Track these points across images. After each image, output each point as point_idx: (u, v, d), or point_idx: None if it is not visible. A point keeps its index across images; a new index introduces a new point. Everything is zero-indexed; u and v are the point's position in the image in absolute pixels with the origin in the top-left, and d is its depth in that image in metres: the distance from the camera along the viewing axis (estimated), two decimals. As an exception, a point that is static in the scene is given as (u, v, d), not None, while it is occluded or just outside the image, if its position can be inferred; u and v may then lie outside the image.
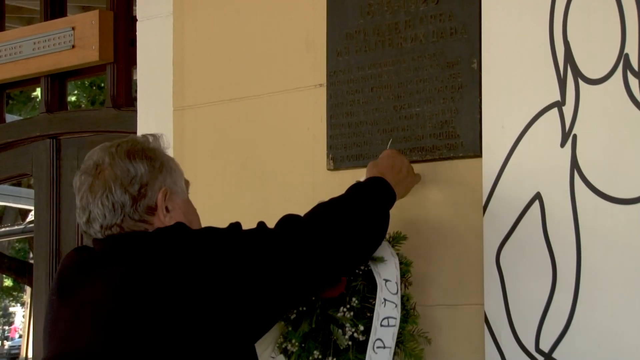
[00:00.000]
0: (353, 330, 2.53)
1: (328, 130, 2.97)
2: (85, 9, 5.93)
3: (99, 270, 2.18)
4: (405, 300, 2.58)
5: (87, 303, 2.14)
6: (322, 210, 2.40)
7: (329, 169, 2.98)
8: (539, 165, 2.55)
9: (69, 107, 4.78)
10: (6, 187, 8.98)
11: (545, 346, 2.52)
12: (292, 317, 2.59)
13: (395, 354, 2.54)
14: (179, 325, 2.08)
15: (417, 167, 2.72)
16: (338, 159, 2.95)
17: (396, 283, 2.53)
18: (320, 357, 2.58)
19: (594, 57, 2.48)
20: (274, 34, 3.18)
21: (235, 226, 2.26)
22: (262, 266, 2.19)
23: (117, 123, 4.21)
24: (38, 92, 7.66)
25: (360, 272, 2.56)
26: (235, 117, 3.27)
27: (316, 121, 3.02)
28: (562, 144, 2.52)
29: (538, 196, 2.55)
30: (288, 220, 2.33)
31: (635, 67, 2.41)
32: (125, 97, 4.27)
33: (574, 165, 2.50)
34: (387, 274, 2.53)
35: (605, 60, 2.45)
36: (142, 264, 2.14)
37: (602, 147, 2.45)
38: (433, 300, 2.70)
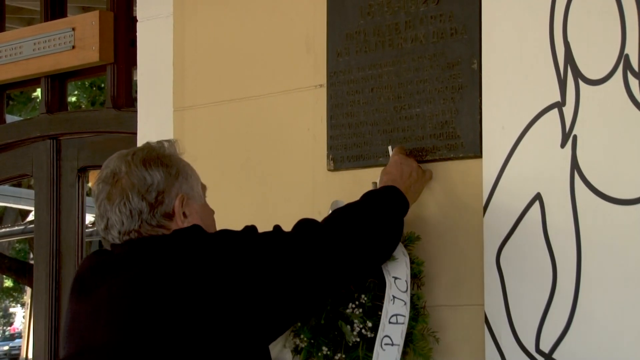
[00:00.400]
0: (361, 326, 2.54)
1: (328, 131, 2.97)
2: (85, 9, 5.93)
3: (116, 271, 2.21)
4: (415, 299, 2.59)
5: (105, 302, 2.18)
6: (338, 216, 2.43)
7: (329, 170, 2.98)
8: (539, 165, 2.55)
9: (69, 108, 4.78)
10: (6, 188, 8.98)
11: (545, 347, 2.52)
12: None
13: (405, 353, 2.55)
14: (193, 325, 2.10)
15: (418, 168, 2.72)
16: (338, 159, 2.95)
17: (406, 281, 2.54)
18: (329, 353, 2.59)
19: (594, 58, 2.48)
20: (274, 35, 3.18)
21: (251, 229, 2.29)
22: (278, 269, 2.22)
23: (118, 124, 4.21)
24: (38, 93, 7.66)
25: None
26: (235, 117, 3.27)
27: (316, 122, 3.02)
28: (562, 145, 2.52)
29: (538, 197, 2.55)
30: (304, 225, 2.37)
31: (636, 67, 2.41)
32: (125, 97, 4.27)
33: (574, 165, 2.50)
34: (397, 272, 2.54)
35: (605, 60, 2.45)
36: (158, 264, 2.17)
37: (603, 148, 2.45)
38: (433, 300, 2.70)
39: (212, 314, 2.11)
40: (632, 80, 2.42)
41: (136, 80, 3.88)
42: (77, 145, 4.39)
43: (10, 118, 5.38)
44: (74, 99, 10.80)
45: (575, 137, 2.51)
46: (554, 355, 2.50)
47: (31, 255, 11.94)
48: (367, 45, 2.90)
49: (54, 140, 4.44)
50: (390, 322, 2.51)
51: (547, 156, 2.54)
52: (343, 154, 2.94)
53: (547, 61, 2.55)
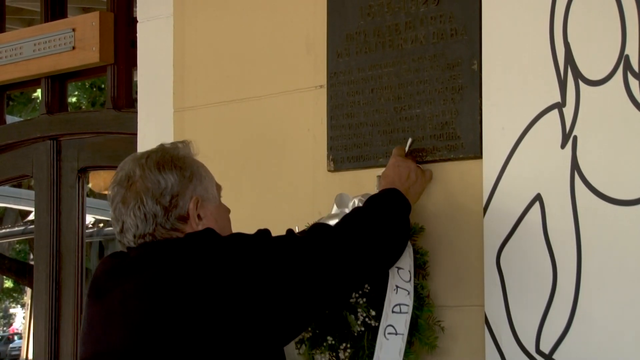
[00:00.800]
0: (365, 314, 2.54)
1: (328, 132, 2.97)
2: (85, 10, 5.93)
3: (131, 274, 2.22)
4: (420, 289, 2.59)
5: (118, 306, 2.19)
6: (347, 222, 2.44)
7: (329, 170, 2.98)
8: (539, 166, 2.55)
9: (69, 109, 4.78)
10: (6, 189, 8.97)
11: (545, 347, 2.52)
12: None
13: (411, 343, 2.55)
14: (206, 329, 2.11)
15: (418, 169, 2.72)
16: (338, 160, 2.95)
17: (409, 271, 2.54)
18: (333, 342, 2.59)
19: (595, 59, 2.48)
20: (274, 35, 3.19)
21: (264, 232, 2.29)
22: (292, 272, 2.22)
23: (118, 124, 4.21)
24: (38, 94, 7.66)
25: None
26: (235, 118, 3.27)
27: (316, 122, 3.02)
28: (563, 145, 2.52)
29: (538, 197, 2.55)
30: (317, 229, 2.37)
31: (636, 68, 2.41)
32: (125, 98, 4.27)
33: (574, 166, 2.50)
34: (400, 262, 2.55)
35: (605, 61, 2.45)
36: (170, 268, 2.18)
37: (603, 149, 2.45)
38: (434, 301, 2.70)
39: (225, 317, 2.12)
40: (632, 80, 2.42)
41: (136, 81, 3.88)
42: (77, 146, 4.40)
43: (10, 119, 5.38)
44: (74, 99, 10.80)
45: (575, 137, 2.51)
46: (554, 356, 2.50)
47: (31, 256, 11.94)
48: (367, 46, 2.90)
49: (54, 141, 4.44)
50: (393, 312, 2.51)
51: (547, 157, 2.54)
52: (343, 154, 2.94)
53: (547, 62, 2.55)
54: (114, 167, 4.92)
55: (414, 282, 2.55)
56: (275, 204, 3.11)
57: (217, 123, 3.32)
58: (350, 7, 2.94)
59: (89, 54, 4.21)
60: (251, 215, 2.99)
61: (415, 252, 2.61)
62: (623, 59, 2.43)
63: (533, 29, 2.57)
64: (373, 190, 2.72)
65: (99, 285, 2.28)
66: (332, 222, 2.49)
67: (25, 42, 4.42)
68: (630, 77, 2.42)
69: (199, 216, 2.29)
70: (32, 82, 4.66)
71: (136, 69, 3.89)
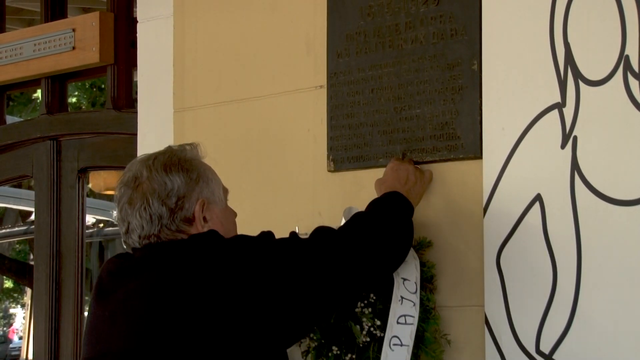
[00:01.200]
0: (370, 324, 2.54)
1: (328, 132, 2.97)
2: (85, 10, 5.92)
3: (134, 275, 2.23)
4: (425, 301, 2.59)
5: (121, 307, 2.20)
6: (351, 224, 2.44)
7: (329, 171, 2.98)
8: (539, 166, 2.55)
9: (69, 109, 4.78)
10: (6, 189, 8.97)
11: (545, 347, 2.52)
12: None
13: (417, 355, 2.55)
14: (208, 331, 2.12)
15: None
16: (338, 160, 2.95)
17: (415, 283, 2.55)
18: (338, 352, 2.59)
19: (595, 59, 2.48)
20: (274, 36, 3.19)
21: (267, 234, 2.29)
22: (295, 274, 2.22)
23: (118, 124, 4.21)
24: (38, 94, 7.66)
25: None
26: (235, 118, 3.27)
27: (316, 123, 3.02)
28: (563, 146, 2.52)
29: (538, 198, 2.55)
30: (320, 232, 2.37)
31: (636, 68, 2.41)
32: (125, 98, 4.27)
33: (575, 166, 2.50)
34: (405, 274, 2.55)
35: (605, 61, 2.45)
36: (173, 270, 2.19)
37: (603, 149, 2.45)
38: (434, 301, 2.70)
39: (227, 319, 2.12)
40: (632, 81, 2.42)
41: (136, 81, 3.88)
42: (78, 146, 4.40)
43: (10, 119, 5.38)
44: (74, 99, 10.81)
45: (575, 138, 2.50)
46: (554, 356, 2.50)
47: (31, 256, 11.94)
48: (367, 46, 2.90)
49: (54, 141, 4.44)
50: (398, 323, 2.51)
51: (548, 157, 2.54)
52: (343, 154, 2.94)
53: (547, 62, 2.55)
54: (114, 168, 4.96)
55: (420, 294, 2.56)
56: (275, 204, 3.11)
57: (217, 123, 3.32)
58: (351, 8, 2.94)
59: (89, 54, 4.21)
60: (251, 216, 2.99)
61: (422, 264, 2.62)
62: (623, 59, 2.43)
63: (533, 29, 2.57)
64: (373, 190, 2.72)
65: (102, 286, 2.28)
66: None
67: (25, 42, 4.42)
68: (630, 77, 2.42)
69: (204, 218, 2.30)
70: (32, 83, 4.66)
71: (136, 69, 3.89)
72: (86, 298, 4.69)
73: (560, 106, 2.53)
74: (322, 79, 3.01)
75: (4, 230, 11.50)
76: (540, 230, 2.54)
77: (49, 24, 4.44)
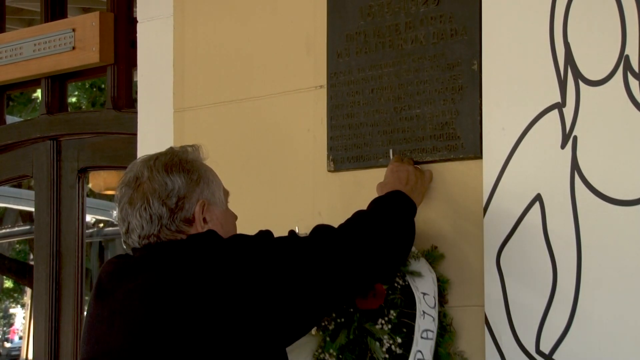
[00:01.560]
0: (391, 342, 2.54)
1: (328, 132, 2.97)
2: (85, 10, 5.92)
3: (133, 275, 2.23)
4: (442, 316, 2.59)
5: (119, 307, 2.20)
6: (351, 222, 2.44)
7: (329, 171, 2.98)
8: (539, 166, 2.55)
9: (69, 109, 4.78)
10: (6, 189, 8.97)
11: (545, 347, 2.52)
12: (331, 328, 2.60)
13: None
14: (206, 330, 2.11)
15: (418, 169, 2.72)
16: (338, 160, 2.95)
17: (434, 297, 2.57)
18: None
19: (595, 59, 2.48)
20: (274, 36, 3.19)
21: (266, 233, 2.30)
22: (294, 273, 2.22)
23: (118, 124, 4.21)
24: (38, 94, 7.65)
25: (399, 287, 2.58)
26: (235, 118, 3.27)
27: (316, 123, 3.02)
28: (563, 146, 2.52)
29: (538, 197, 2.55)
30: (320, 230, 2.37)
31: (636, 68, 2.41)
32: (125, 98, 4.27)
33: (575, 166, 2.50)
34: (425, 288, 2.56)
35: (605, 61, 2.45)
36: (173, 268, 2.19)
37: (603, 149, 2.45)
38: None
39: (226, 318, 2.12)
40: (632, 81, 2.42)
41: (136, 81, 3.88)
42: (77, 146, 4.40)
43: (10, 119, 5.37)
44: (74, 99, 10.80)
45: (575, 138, 2.51)
46: (554, 356, 2.50)
47: (31, 256, 11.94)
48: (367, 46, 2.90)
49: (54, 141, 4.44)
50: (422, 337, 2.53)
51: (548, 157, 2.54)
52: (343, 154, 2.94)
53: (547, 62, 2.55)
54: (114, 167, 4.96)
55: (438, 309, 2.57)
56: (275, 204, 3.11)
57: (217, 123, 3.32)
58: (351, 8, 2.94)
59: (89, 54, 4.21)
60: (251, 215, 2.99)
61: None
62: (623, 59, 2.43)
63: (533, 29, 2.57)
64: (373, 190, 2.72)
65: (101, 287, 2.28)
66: None
67: (25, 42, 4.42)
68: (630, 77, 2.42)
69: (204, 220, 2.30)
70: (32, 82, 4.66)
71: (136, 69, 3.89)
72: (86, 298, 4.69)
73: (560, 106, 2.53)
74: (322, 79, 3.01)
75: (4, 230, 11.49)
76: (540, 230, 2.54)
77: (49, 24, 4.44)
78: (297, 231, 2.44)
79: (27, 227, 10.45)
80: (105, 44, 4.18)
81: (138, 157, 2.37)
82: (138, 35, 3.79)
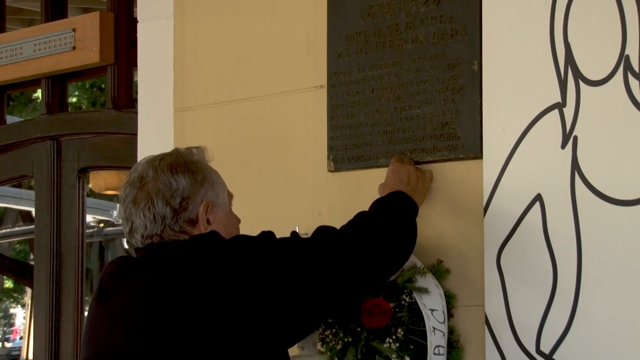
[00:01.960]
0: None
1: (329, 132, 2.97)
2: (85, 10, 5.93)
3: (135, 276, 2.23)
4: (448, 333, 2.60)
5: (121, 307, 2.20)
6: (354, 223, 2.44)
7: (329, 171, 2.98)
8: (539, 166, 2.55)
9: (69, 109, 4.78)
10: (7, 189, 8.97)
11: (545, 347, 2.52)
12: (338, 347, 2.60)
13: None
14: (207, 331, 2.11)
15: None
16: (339, 160, 2.95)
17: (443, 312, 2.57)
18: None
19: (595, 59, 2.48)
20: (274, 36, 3.19)
21: (268, 234, 2.30)
22: (296, 274, 2.22)
23: (118, 124, 4.21)
24: (39, 94, 7.66)
25: (406, 304, 2.58)
26: (235, 118, 3.27)
27: (317, 123, 3.02)
28: (563, 146, 2.52)
29: (539, 197, 2.55)
30: (322, 231, 2.37)
31: (636, 68, 2.41)
32: (125, 98, 4.27)
33: (575, 166, 2.50)
34: (433, 304, 2.56)
35: (605, 61, 2.45)
36: (175, 269, 2.19)
37: (603, 149, 2.45)
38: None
39: (227, 318, 2.12)
40: (632, 81, 2.42)
41: (136, 81, 3.89)
42: (78, 146, 4.40)
43: (10, 119, 5.38)
44: (74, 99, 10.80)
45: (575, 138, 2.50)
46: (555, 356, 2.50)
47: (31, 256, 11.94)
48: (367, 46, 2.90)
49: (55, 141, 4.44)
50: (435, 354, 2.53)
51: (548, 157, 2.54)
52: (343, 154, 2.94)
53: (548, 62, 2.55)
54: (114, 168, 4.95)
55: (447, 324, 2.57)
56: (275, 204, 3.11)
57: (217, 123, 3.32)
58: (351, 8, 2.94)
59: (89, 54, 4.21)
60: (251, 215, 2.99)
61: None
62: (623, 59, 2.43)
63: (533, 29, 2.57)
64: (374, 190, 2.72)
65: (103, 288, 2.29)
66: None
67: (25, 42, 4.42)
68: (630, 77, 2.42)
69: (208, 221, 2.30)
70: (33, 82, 4.66)
71: (136, 69, 3.89)
72: (86, 298, 4.69)
73: (560, 106, 2.53)
74: (322, 79, 3.01)
75: (4, 230, 11.50)
76: (540, 230, 2.54)
77: (49, 24, 4.44)
78: (297, 231, 2.44)
79: (28, 227, 10.46)
80: (105, 44, 4.19)
81: (143, 158, 2.37)
82: (138, 35, 3.79)
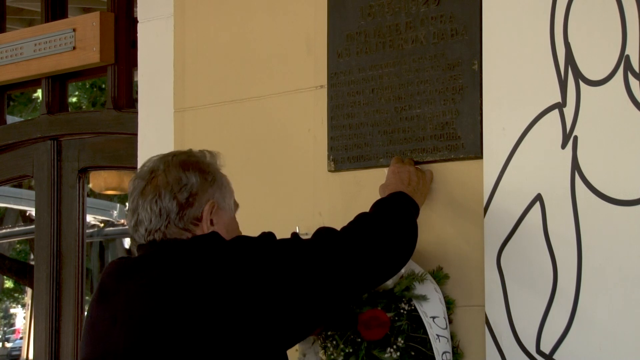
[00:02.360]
0: None
1: (329, 132, 2.97)
2: (86, 10, 5.93)
3: (135, 275, 2.23)
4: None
5: (123, 306, 2.20)
6: (354, 224, 2.44)
7: (329, 171, 2.98)
8: (539, 166, 2.55)
9: (69, 109, 4.78)
10: (7, 189, 8.97)
11: (546, 347, 2.52)
12: (340, 359, 2.60)
13: None
14: (207, 331, 2.11)
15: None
16: (339, 160, 2.95)
17: (444, 318, 2.58)
18: None
19: (595, 59, 2.48)
20: (274, 36, 3.19)
21: (269, 235, 2.29)
22: (297, 275, 2.22)
23: (118, 124, 4.21)
24: (39, 94, 7.67)
25: (404, 312, 2.58)
26: (236, 118, 3.27)
27: (317, 123, 3.02)
28: (563, 146, 2.52)
29: (539, 197, 2.55)
30: (323, 232, 2.37)
31: (636, 68, 2.41)
32: (126, 98, 4.27)
33: (575, 166, 2.50)
34: (433, 311, 2.57)
35: (606, 61, 2.45)
36: (175, 269, 2.19)
37: (603, 149, 2.45)
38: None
39: (227, 319, 2.12)
40: (632, 81, 2.42)
41: (137, 81, 3.89)
42: (78, 146, 4.40)
43: (10, 119, 5.38)
44: (74, 99, 10.81)
45: (575, 138, 2.50)
46: (555, 356, 2.50)
47: (32, 256, 11.94)
48: (367, 46, 2.90)
49: (55, 141, 4.45)
50: None
51: (548, 157, 2.54)
52: (344, 154, 2.94)
53: (548, 62, 2.55)
54: (114, 168, 4.95)
55: (449, 329, 2.58)
56: (275, 204, 3.11)
57: (217, 123, 3.32)
58: (351, 7, 2.94)
59: (90, 54, 4.21)
60: (251, 216, 2.99)
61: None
62: (623, 59, 2.43)
63: (533, 29, 2.57)
64: (374, 190, 2.72)
65: (103, 288, 2.29)
66: None
67: (25, 42, 4.43)
68: (630, 77, 2.42)
69: (211, 221, 2.30)
70: (33, 82, 4.66)
71: (136, 69, 3.89)
72: (87, 298, 4.69)
73: (560, 106, 2.53)
74: (323, 79, 3.01)
75: (4, 230, 11.50)
76: (540, 230, 2.54)
77: (50, 24, 4.44)
78: (297, 231, 2.44)
79: (28, 226, 10.47)
80: (105, 44, 4.19)
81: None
82: (138, 35, 3.80)
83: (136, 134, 3.77)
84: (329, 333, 2.63)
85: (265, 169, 3.17)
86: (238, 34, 3.29)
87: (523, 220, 2.57)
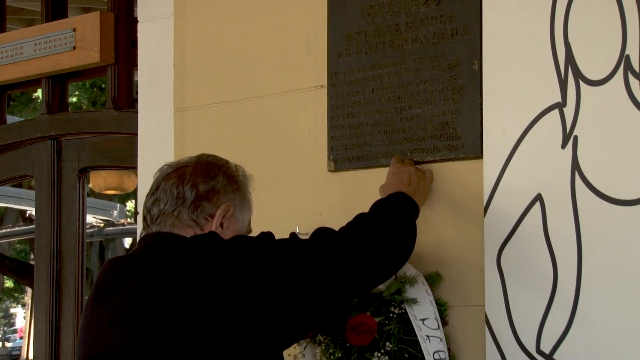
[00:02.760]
0: None
1: (329, 132, 2.97)
2: (86, 10, 5.93)
3: (132, 275, 2.23)
4: None
5: (120, 305, 2.20)
6: (353, 224, 2.44)
7: (329, 171, 2.98)
8: (539, 166, 2.55)
9: (69, 109, 4.78)
10: (7, 189, 8.98)
11: (546, 347, 2.52)
12: None
13: None
14: (204, 331, 2.11)
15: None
16: (339, 160, 2.95)
17: (435, 319, 2.57)
18: None
19: (595, 59, 2.48)
20: (274, 35, 3.19)
21: (267, 235, 2.29)
22: (295, 275, 2.22)
23: (118, 124, 4.21)
24: (39, 94, 7.67)
25: (394, 316, 2.58)
26: (236, 118, 3.27)
27: (317, 122, 3.02)
28: (563, 145, 2.52)
29: (539, 197, 2.55)
30: (321, 232, 2.37)
31: (636, 68, 2.41)
32: (126, 98, 4.27)
33: (575, 166, 2.50)
34: (423, 314, 2.57)
35: (606, 61, 2.45)
36: (173, 268, 2.19)
37: (603, 149, 2.45)
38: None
39: (224, 319, 2.12)
40: (632, 80, 2.42)
41: (137, 81, 3.89)
42: (78, 146, 4.40)
43: (11, 119, 5.38)
44: (74, 99, 10.80)
45: (575, 137, 2.50)
46: (555, 356, 2.50)
47: (32, 256, 11.94)
48: (367, 46, 2.90)
49: (55, 141, 4.44)
50: (435, 359, 2.53)
51: (548, 157, 2.54)
52: (344, 154, 2.94)
53: (548, 62, 2.55)
54: (114, 167, 4.95)
55: (442, 330, 2.58)
56: (275, 204, 3.11)
57: (218, 123, 3.32)
58: (351, 7, 2.94)
59: (90, 54, 4.21)
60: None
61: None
62: (623, 59, 2.43)
63: (534, 29, 2.57)
64: (374, 190, 2.72)
65: (99, 288, 2.28)
66: None
67: (25, 42, 4.42)
68: (630, 77, 2.42)
69: (221, 224, 2.30)
70: (33, 82, 4.66)
71: (137, 69, 3.89)
72: (86, 298, 4.69)
73: (560, 106, 2.53)
74: (323, 78, 3.01)
75: (4, 230, 11.51)
76: (540, 230, 2.54)
77: (50, 24, 4.44)
78: (297, 232, 2.44)
79: (28, 226, 10.47)
80: (105, 44, 4.19)
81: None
82: (138, 35, 3.79)
83: (136, 134, 3.77)
84: (320, 339, 2.63)
85: (265, 169, 3.17)
86: (238, 34, 3.29)
87: (523, 220, 2.57)
